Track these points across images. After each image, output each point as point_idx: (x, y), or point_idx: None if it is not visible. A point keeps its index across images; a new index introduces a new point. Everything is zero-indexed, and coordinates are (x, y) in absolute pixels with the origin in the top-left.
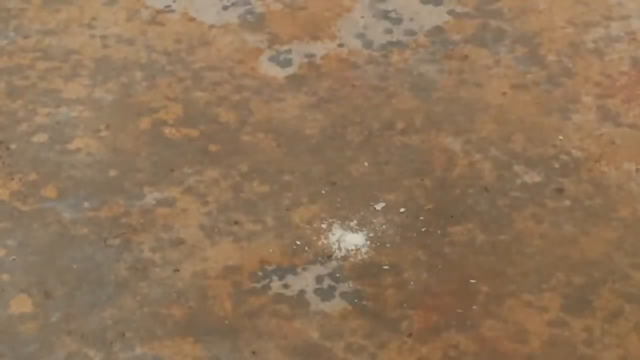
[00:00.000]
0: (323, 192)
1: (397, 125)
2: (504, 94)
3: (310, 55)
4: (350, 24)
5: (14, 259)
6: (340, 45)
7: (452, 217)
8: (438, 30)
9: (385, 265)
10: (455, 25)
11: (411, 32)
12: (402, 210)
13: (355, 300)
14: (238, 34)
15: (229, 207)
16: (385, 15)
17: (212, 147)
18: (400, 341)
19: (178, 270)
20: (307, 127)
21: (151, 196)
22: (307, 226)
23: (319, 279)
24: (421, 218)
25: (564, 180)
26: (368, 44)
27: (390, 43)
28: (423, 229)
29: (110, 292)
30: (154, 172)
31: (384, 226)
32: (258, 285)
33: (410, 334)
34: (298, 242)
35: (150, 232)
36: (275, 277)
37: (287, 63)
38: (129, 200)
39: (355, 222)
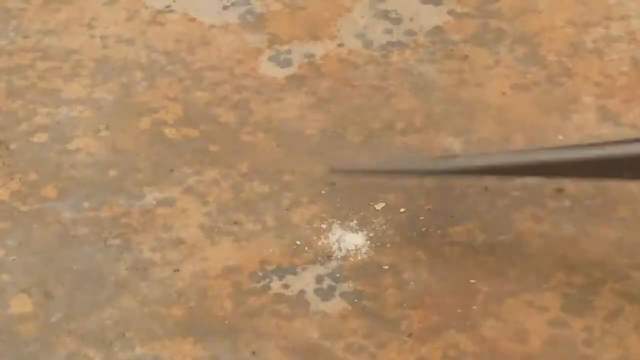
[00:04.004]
0: (323, 192)
1: (397, 125)
2: (504, 94)
3: (310, 55)
4: (350, 24)
5: (14, 259)
6: (340, 45)
7: (452, 217)
8: (438, 30)
9: (385, 265)
10: (455, 25)
11: (411, 32)
12: (402, 210)
13: (355, 300)
14: (238, 34)
15: (229, 207)
16: (385, 15)
17: (212, 147)
18: (400, 341)
19: (178, 270)
20: (307, 127)
21: (151, 196)
22: (307, 226)
23: (318, 279)
24: (421, 218)
25: (564, 180)
26: (368, 44)
27: (390, 43)
28: (423, 229)
29: (110, 292)
30: (154, 172)
31: (384, 226)
32: (258, 285)
33: (410, 334)
34: (298, 242)
35: (150, 232)
36: (275, 277)
37: (287, 63)
38: (129, 200)
39: (355, 222)
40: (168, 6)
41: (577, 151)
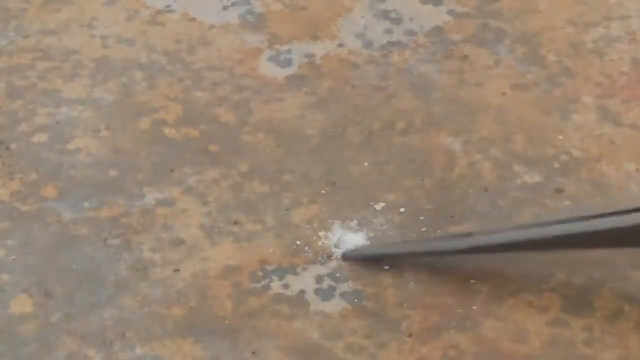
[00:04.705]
0: (323, 192)
1: (397, 125)
2: (504, 94)
3: (310, 55)
4: (350, 24)
5: (14, 259)
6: (340, 45)
7: (452, 217)
8: (438, 30)
9: (385, 265)
10: (455, 25)
11: (411, 32)
12: (402, 210)
13: (355, 300)
14: (238, 34)
15: (229, 207)
16: (385, 15)
17: (212, 147)
18: (400, 341)
19: (178, 270)
20: (307, 127)
21: (151, 196)
22: (307, 226)
23: (318, 279)
24: (421, 218)
25: (564, 180)
26: (368, 44)
27: (390, 43)
28: (423, 229)
29: (110, 292)
30: (154, 172)
31: (384, 226)
32: (258, 285)
33: (410, 334)
34: (298, 242)
35: (150, 232)
36: (275, 277)
37: (287, 63)
38: (129, 200)
39: (355, 222)
40: (168, 6)
41: (592, 222)
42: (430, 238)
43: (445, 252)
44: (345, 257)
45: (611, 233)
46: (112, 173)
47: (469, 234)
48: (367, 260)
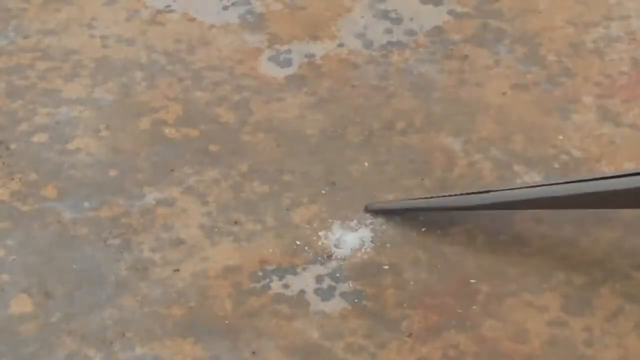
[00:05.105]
0: (323, 192)
1: (397, 125)
2: (504, 94)
3: (310, 55)
4: (350, 24)
5: (14, 259)
6: (340, 45)
7: (452, 217)
8: (438, 30)
9: (385, 265)
10: (455, 25)
11: (411, 32)
12: None
13: (355, 300)
14: (238, 34)
15: (229, 207)
16: (385, 15)
17: (212, 147)
18: (400, 341)
19: (178, 270)
20: (307, 127)
21: (151, 196)
22: (307, 226)
23: (318, 278)
24: (421, 218)
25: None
26: (368, 44)
27: (390, 43)
28: (423, 229)
29: (110, 292)
30: (154, 172)
31: (383, 226)
32: (258, 285)
33: (410, 334)
34: (298, 242)
35: (150, 232)
36: (275, 277)
37: (287, 63)
38: (129, 200)
39: (355, 222)
40: (168, 6)
41: (609, 182)
42: (451, 194)
43: (468, 207)
44: (369, 209)
45: (626, 194)
46: (112, 173)
47: (488, 191)
48: (389, 213)
